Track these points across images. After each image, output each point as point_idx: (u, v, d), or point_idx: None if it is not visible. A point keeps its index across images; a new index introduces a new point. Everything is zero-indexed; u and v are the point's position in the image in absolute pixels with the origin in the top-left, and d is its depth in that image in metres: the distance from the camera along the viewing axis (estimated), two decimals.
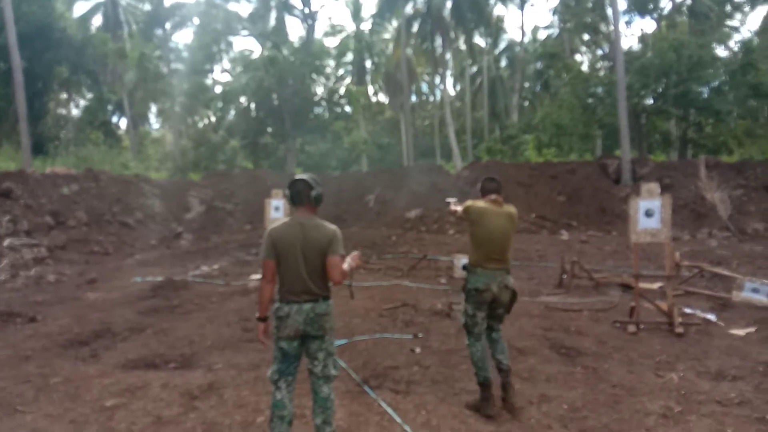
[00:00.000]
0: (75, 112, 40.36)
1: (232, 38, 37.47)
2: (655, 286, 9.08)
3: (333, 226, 3.47)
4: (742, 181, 17.79)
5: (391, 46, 40.73)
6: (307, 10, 30.84)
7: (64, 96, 37.83)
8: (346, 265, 3.48)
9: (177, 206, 19.33)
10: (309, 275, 3.36)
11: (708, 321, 7.00)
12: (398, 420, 4.10)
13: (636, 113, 22.80)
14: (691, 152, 24.58)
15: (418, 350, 5.77)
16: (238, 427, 4.04)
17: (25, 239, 12.51)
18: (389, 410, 4.26)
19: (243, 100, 29.93)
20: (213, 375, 5.12)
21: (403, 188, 22.16)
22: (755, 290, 8.20)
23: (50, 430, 4.01)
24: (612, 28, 23.34)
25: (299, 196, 3.47)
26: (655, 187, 6.79)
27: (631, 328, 6.61)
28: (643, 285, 9.03)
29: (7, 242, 12.04)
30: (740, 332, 6.48)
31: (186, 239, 16.93)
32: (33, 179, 14.75)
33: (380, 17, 32.15)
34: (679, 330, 6.41)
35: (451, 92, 51.60)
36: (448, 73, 50.36)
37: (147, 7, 33.18)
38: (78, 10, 36.13)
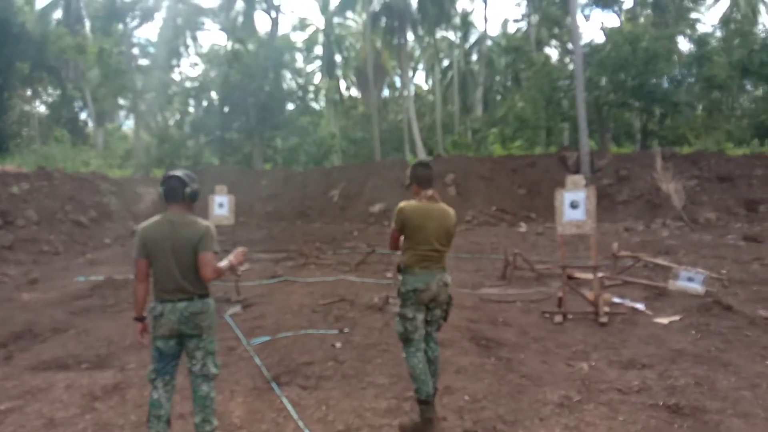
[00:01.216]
0: (42, 109, 39.69)
1: (200, 33, 37.26)
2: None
3: (206, 223, 3.41)
4: (697, 171, 18.11)
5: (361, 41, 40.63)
6: (270, 4, 30.51)
7: (30, 93, 37.06)
8: (225, 262, 3.43)
9: (135, 204, 19.06)
10: (181, 273, 3.31)
11: (636, 310, 7.10)
12: (294, 416, 4.08)
13: (598, 106, 23.07)
14: (654, 144, 24.96)
15: (338, 345, 5.76)
16: (131, 427, 3.98)
17: None
18: (288, 406, 4.24)
19: (208, 95, 29.60)
20: (122, 375, 5.05)
21: (368, 183, 22.17)
22: (690, 279, 8.33)
23: None
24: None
25: (172, 192, 3.42)
26: (579, 179, 6.86)
27: (558, 318, 6.68)
28: (582, 276, 9.17)
29: None
30: (664, 321, 6.59)
31: None
32: None
33: (341, 13, 31.99)
34: (603, 320, 6.49)
35: (425, 86, 51.78)
36: (420, 66, 50.59)
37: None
38: (39, 4, 35.41)
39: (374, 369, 5.04)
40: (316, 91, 29.55)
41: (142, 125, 34.62)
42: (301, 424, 3.95)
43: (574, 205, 6.75)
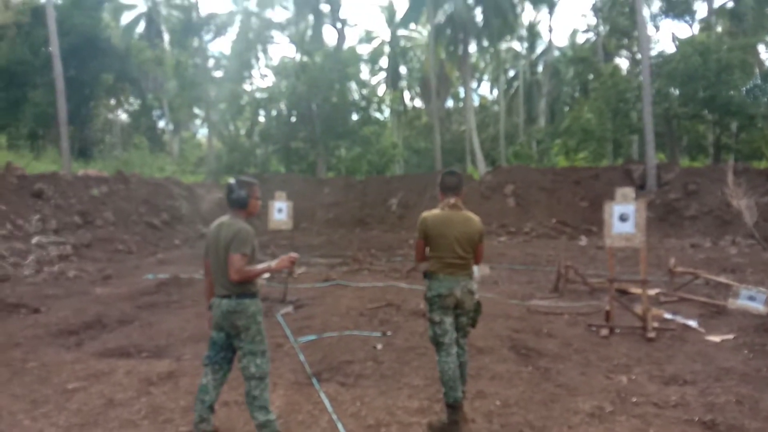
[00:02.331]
0: (124, 117, 42.30)
1: (270, 46, 38.67)
2: (653, 292, 8.97)
3: (240, 225, 3.55)
4: None
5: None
6: (336, 17, 31.32)
7: (113, 102, 39.57)
8: (263, 265, 3.58)
9: (205, 208, 20.00)
10: (221, 272, 3.56)
11: (688, 327, 6.91)
12: (329, 409, 4.30)
13: (667, 118, 22.31)
14: (728, 158, 23.85)
15: (379, 347, 5.95)
16: (181, 411, 4.31)
17: (52, 237, 13.25)
18: (325, 400, 4.47)
19: (277, 106, 30.65)
20: (177, 364, 5.43)
21: (426, 193, 22.31)
22: (751, 298, 8.01)
23: (10, 407, 4.38)
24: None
25: (227, 198, 3.71)
26: (629, 191, 6.77)
27: (604, 331, 6.61)
28: (636, 290, 8.96)
29: (35, 240, 12.78)
30: (716, 339, 6.39)
31: None
32: (65, 181, 15.61)
33: (405, 25, 32.36)
34: (651, 335, 6.37)
35: (490, 97, 51.45)
36: (485, 77, 50.37)
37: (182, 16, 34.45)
38: (124, 20, 37.90)
39: (411, 371, 5.20)
40: (380, 102, 29.97)
41: (214, 134, 36.34)
42: (334, 417, 4.16)
43: (623, 218, 6.67)
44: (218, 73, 36.69)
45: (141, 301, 8.56)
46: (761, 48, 26.65)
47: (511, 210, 19.91)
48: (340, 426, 4.02)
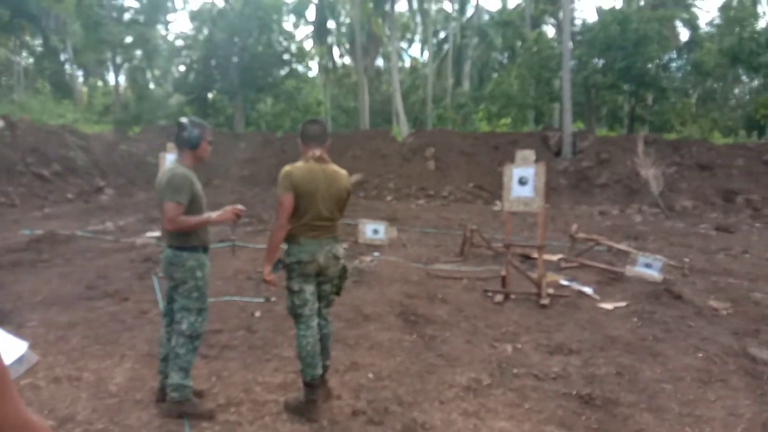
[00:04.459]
0: (31, 60, 38.65)
1: None
2: (555, 258, 8.92)
3: (176, 171, 3.28)
4: (678, 158, 17.81)
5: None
6: None
7: (17, 42, 35.98)
8: (204, 216, 3.36)
9: (104, 160, 18.56)
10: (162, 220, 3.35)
11: (583, 294, 6.83)
12: None
13: (586, 87, 22.61)
14: (641, 129, 24.60)
15: (258, 314, 5.46)
16: None
17: None
18: None
19: (193, 53, 28.82)
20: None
21: (348, 153, 21.72)
22: (647, 265, 8.06)
23: None
24: None
25: (177, 139, 3.45)
26: (529, 154, 6.51)
27: (498, 297, 6.40)
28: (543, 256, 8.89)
29: None
30: (608, 306, 6.31)
31: (108, 194, 16.28)
32: None
33: None
34: (544, 302, 6.21)
35: (422, 59, 50.78)
36: (416, 39, 49.61)
37: None
38: None
39: (284, 341, 4.74)
40: (304, 55, 28.72)
41: (129, 81, 33.81)
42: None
43: (522, 182, 6.42)
44: (128, 15, 34.01)
45: (3, 260, 7.62)
46: (678, 23, 27.41)
47: (431, 173, 19.70)
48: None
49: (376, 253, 9.11)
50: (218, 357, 4.39)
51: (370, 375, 4.11)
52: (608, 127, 28.92)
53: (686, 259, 9.30)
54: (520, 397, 3.84)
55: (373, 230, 9.67)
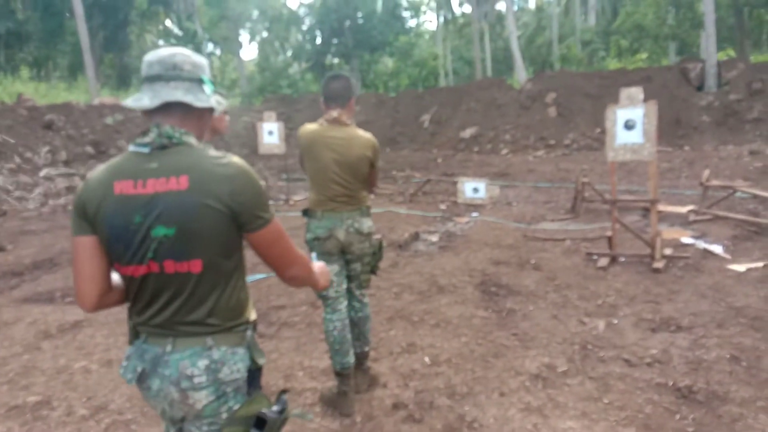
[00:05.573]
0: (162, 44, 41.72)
1: None
2: (685, 209, 7.73)
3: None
4: None
5: None
6: None
7: (161, 28, 38.82)
8: None
9: (230, 132, 19.45)
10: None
11: (709, 253, 5.78)
12: None
13: (737, 6, 19.49)
14: None
15: None
16: (52, 372, 3.76)
17: (62, 169, 13.05)
18: None
19: (308, 19, 29.14)
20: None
21: (461, 106, 20.85)
22: None
23: None
24: None
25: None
26: (636, 92, 5.54)
27: (602, 261, 5.59)
28: (668, 209, 7.76)
29: (43, 172, 12.61)
30: (740, 268, 5.26)
31: None
32: (78, 110, 15.27)
33: None
34: (658, 265, 5.31)
35: None
36: None
37: None
38: None
39: None
40: (415, 10, 27.83)
41: (261, 55, 35.04)
42: None
43: (629, 125, 5.48)
44: None
45: None
46: None
47: (552, 121, 18.26)
48: None
49: (474, 214, 8.53)
50: (274, 336, 4.20)
51: (426, 359, 3.68)
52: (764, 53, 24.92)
53: None
54: (600, 389, 3.21)
55: (473, 189, 9.05)
